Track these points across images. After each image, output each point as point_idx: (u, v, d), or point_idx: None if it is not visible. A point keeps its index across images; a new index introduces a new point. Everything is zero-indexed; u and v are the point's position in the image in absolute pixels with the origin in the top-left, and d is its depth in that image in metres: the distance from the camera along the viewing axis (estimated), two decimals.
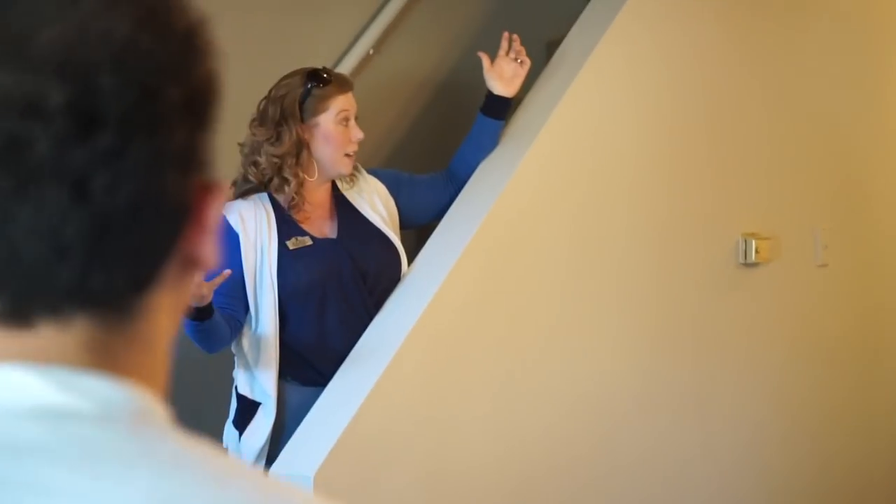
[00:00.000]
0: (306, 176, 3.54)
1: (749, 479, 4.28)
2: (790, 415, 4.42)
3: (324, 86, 3.54)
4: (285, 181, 3.51)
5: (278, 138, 3.51)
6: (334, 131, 3.54)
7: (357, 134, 3.56)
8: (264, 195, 3.56)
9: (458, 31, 4.84)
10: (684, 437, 4.09)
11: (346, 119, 3.56)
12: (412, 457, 3.36)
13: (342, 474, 3.19)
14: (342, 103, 3.55)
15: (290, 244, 3.50)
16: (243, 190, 3.57)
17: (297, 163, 3.52)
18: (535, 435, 3.68)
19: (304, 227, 3.56)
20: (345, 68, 4.44)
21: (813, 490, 4.49)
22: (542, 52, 4.41)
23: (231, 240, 3.46)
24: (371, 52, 4.55)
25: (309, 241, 3.53)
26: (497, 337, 3.60)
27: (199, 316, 3.25)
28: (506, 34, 3.79)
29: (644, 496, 3.97)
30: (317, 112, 3.54)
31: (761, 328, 4.32)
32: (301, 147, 3.52)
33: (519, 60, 3.77)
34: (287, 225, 3.54)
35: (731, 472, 4.24)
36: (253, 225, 3.48)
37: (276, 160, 3.51)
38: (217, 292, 3.34)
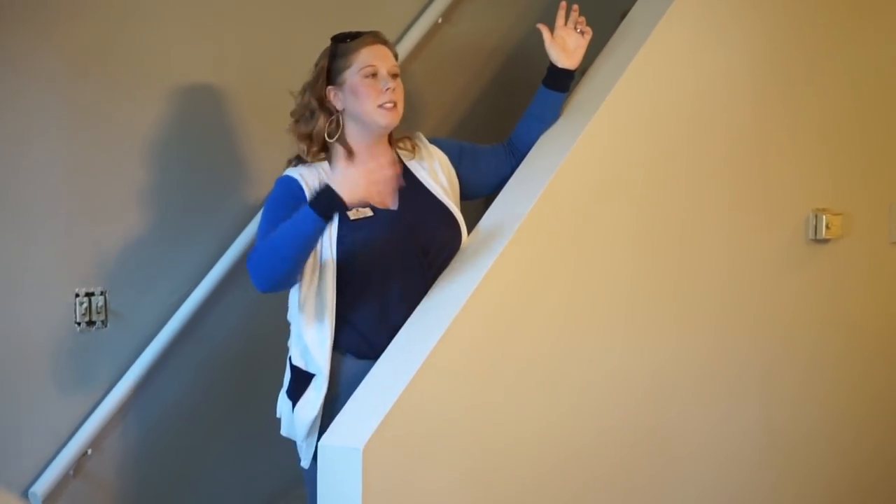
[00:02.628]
0: (349, 141, 3.55)
1: (815, 462, 4.22)
2: (863, 397, 4.35)
3: (346, 43, 3.55)
4: (327, 150, 3.55)
5: (316, 107, 3.57)
6: (360, 84, 3.53)
7: (386, 83, 3.53)
8: (325, 164, 3.56)
9: (528, 1, 4.80)
10: (748, 418, 4.04)
11: (374, 73, 3.54)
12: (462, 432, 3.34)
13: (391, 448, 3.18)
14: (366, 56, 3.54)
15: (352, 214, 3.49)
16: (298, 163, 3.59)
17: (307, 124, 3.55)
18: (590, 412, 3.64)
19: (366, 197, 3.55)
20: (412, 37, 4.45)
21: (891, 477, 4.43)
22: (617, 23, 4.34)
23: (295, 192, 3.48)
24: (440, 20, 4.54)
25: (370, 213, 3.51)
26: (553, 314, 3.56)
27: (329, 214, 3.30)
28: (563, 3, 3.74)
29: (704, 478, 3.93)
30: (342, 69, 3.55)
31: (831, 306, 4.25)
32: (313, 109, 3.55)
33: (580, 30, 3.72)
34: None
35: (797, 455, 4.19)
36: (317, 186, 3.48)
37: (317, 129, 3.56)
38: None
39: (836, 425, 4.28)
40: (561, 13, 3.73)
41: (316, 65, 3.60)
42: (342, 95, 3.55)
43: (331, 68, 3.56)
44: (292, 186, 3.49)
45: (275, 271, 3.39)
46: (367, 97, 3.53)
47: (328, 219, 3.29)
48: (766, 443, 4.09)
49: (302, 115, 3.57)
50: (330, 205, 3.27)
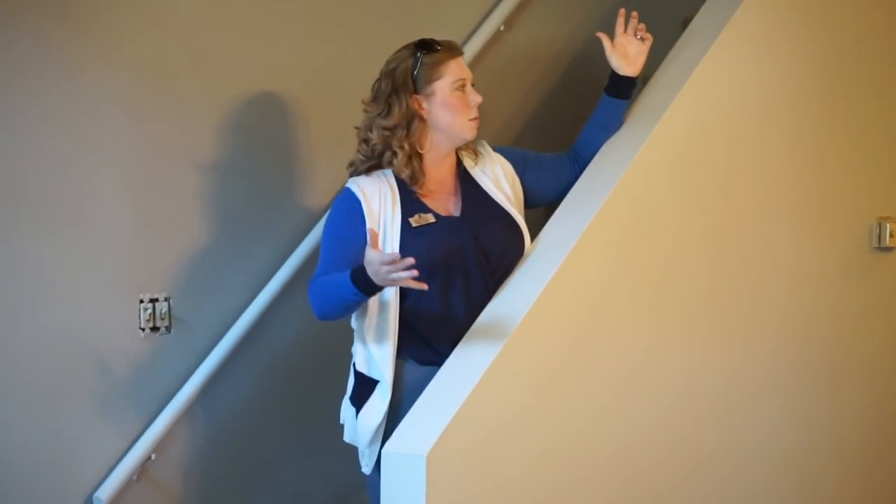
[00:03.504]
0: (418, 147, 3.54)
1: (879, 470, 4.20)
2: None
3: (434, 53, 3.53)
4: (394, 154, 3.52)
5: (389, 111, 3.53)
6: (452, 97, 3.52)
7: (476, 98, 3.54)
8: (388, 171, 3.56)
9: (589, 7, 4.80)
10: (816, 426, 4.02)
11: (463, 85, 3.54)
12: (525, 440, 3.34)
13: (455, 455, 3.18)
14: (456, 69, 3.54)
15: (414, 221, 3.50)
16: (362, 169, 3.57)
17: (408, 134, 3.52)
18: (655, 423, 3.63)
19: (428, 203, 3.55)
20: (475, 45, 4.45)
21: None
22: (678, 30, 4.33)
23: (355, 211, 3.47)
24: (502, 28, 4.54)
25: (432, 219, 3.52)
26: (619, 322, 3.55)
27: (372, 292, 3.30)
28: (622, 11, 3.73)
29: (774, 486, 3.92)
30: (431, 80, 3.53)
31: (894, 313, 4.22)
32: (412, 118, 3.52)
33: (640, 37, 3.71)
34: (411, 202, 3.53)
35: (861, 462, 4.16)
36: (377, 200, 3.48)
37: (386, 133, 3.53)
38: (341, 261, 3.41)
39: None
40: (620, 20, 3.73)
41: (393, 70, 3.54)
42: (428, 106, 3.54)
43: (416, 76, 3.54)
44: (353, 205, 3.49)
45: (328, 313, 3.44)
46: (460, 111, 3.53)
47: (370, 293, 3.31)
48: (832, 450, 4.07)
49: (398, 125, 3.52)
50: (367, 281, 3.26)
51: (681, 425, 3.70)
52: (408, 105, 3.52)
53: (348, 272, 3.31)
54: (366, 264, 3.24)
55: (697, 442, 3.74)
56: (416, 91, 3.53)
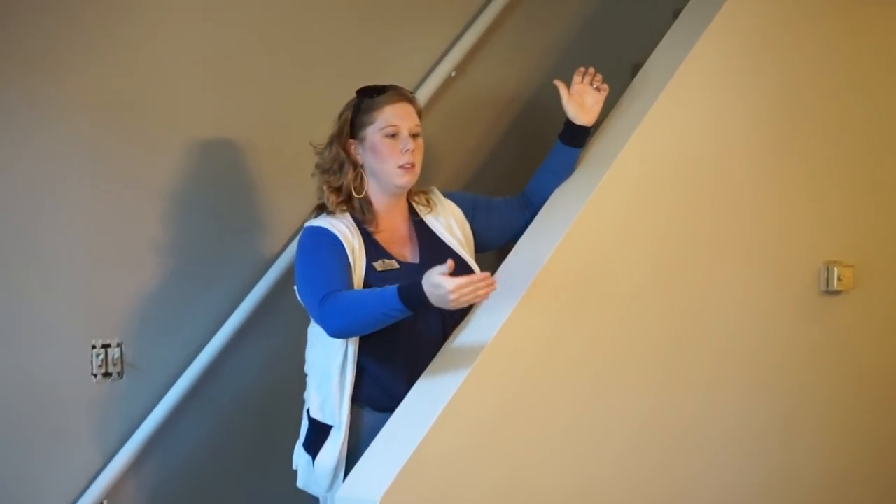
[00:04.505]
0: (354, 192, 3.56)
1: None
2: (874, 444, 4.35)
3: (370, 98, 3.57)
4: (330, 195, 3.55)
5: (322, 153, 3.60)
6: (380, 143, 3.55)
7: (406, 145, 3.55)
8: (347, 215, 3.57)
9: (541, 54, 4.83)
10: (767, 469, 4.04)
11: (395, 133, 3.55)
12: (481, 482, 3.34)
13: (409, 499, 3.18)
14: (389, 115, 3.56)
15: (378, 266, 3.51)
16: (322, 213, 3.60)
17: (339, 177, 3.56)
18: (610, 466, 3.64)
19: (388, 250, 3.57)
20: (427, 90, 4.47)
21: None
22: (628, 75, 4.37)
23: (333, 239, 3.48)
24: (453, 74, 4.57)
25: (396, 265, 3.53)
26: (573, 365, 3.56)
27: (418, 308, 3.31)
28: (580, 70, 3.76)
29: None
30: (364, 125, 3.57)
31: (845, 358, 4.25)
32: (343, 161, 3.56)
33: (596, 87, 3.74)
34: (374, 246, 3.55)
35: (813, 502, 4.18)
36: (348, 235, 3.50)
37: (323, 175, 3.59)
38: (340, 277, 3.43)
39: (853, 475, 4.28)
40: (577, 77, 3.76)
41: (340, 116, 3.62)
42: (362, 150, 3.57)
43: (354, 121, 3.58)
44: (327, 233, 3.50)
45: (352, 330, 3.41)
46: (387, 157, 3.55)
47: (414, 311, 3.31)
48: (786, 492, 4.08)
49: (330, 168, 3.58)
50: (420, 300, 3.27)
51: (636, 467, 3.70)
52: (340, 149, 3.57)
53: (392, 288, 3.29)
54: (431, 287, 3.22)
55: (654, 481, 3.74)
56: (352, 136, 3.56)
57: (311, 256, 3.49)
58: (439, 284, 3.20)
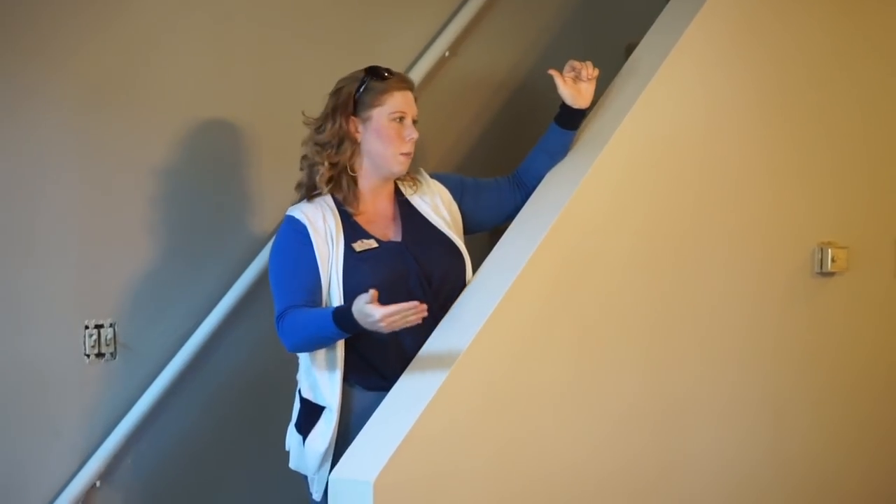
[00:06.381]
0: (349, 169, 3.55)
1: (824, 497, 4.22)
2: (873, 429, 4.35)
3: (380, 80, 3.55)
4: (321, 168, 3.54)
5: (323, 127, 3.56)
6: (387, 127, 3.54)
7: (411, 133, 3.55)
8: (328, 197, 3.56)
9: (535, 35, 4.82)
10: (758, 451, 4.04)
11: (401, 118, 3.55)
12: (475, 464, 3.35)
13: (403, 480, 3.18)
14: (399, 101, 3.56)
15: (357, 246, 3.51)
16: (304, 193, 3.59)
17: (337, 153, 3.54)
18: (601, 445, 3.65)
19: (369, 230, 3.56)
20: (420, 70, 4.46)
21: None
22: (622, 56, 4.37)
23: (303, 237, 3.47)
24: (447, 54, 4.56)
25: (374, 244, 3.53)
26: (565, 346, 3.57)
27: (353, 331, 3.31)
28: (572, 65, 3.73)
29: None
30: (371, 106, 3.55)
31: (839, 338, 4.25)
32: (343, 138, 3.54)
33: (588, 78, 3.73)
34: (352, 227, 3.54)
35: (805, 490, 4.19)
36: (321, 225, 3.49)
37: (317, 148, 3.56)
38: (302, 289, 3.42)
39: (845, 459, 4.29)
40: (571, 65, 3.74)
41: (340, 90, 3.58)
42: (363, 130, 3.56)
43: (358, 99, 3.57)
44: (299, 229, 3.49)
45: (304, 347, 3.46)
46: (392, 142, 3.54)
47: (352, 333, 3.33)
48: (776, 476, 4.09)
49: (330, 142, 3.55)
50: (353, 324, 3.27)
51: (627, 446, 3.71)
52: (342, 125, 3.54)
53: (329, 311, 3.31)
54: (361, 315, 3.22)
55: (644, 460, 3.76)
56: (354, 113, 3.55)
57: (280, 259, 3.51)
58: (369, 314, 3.21)
